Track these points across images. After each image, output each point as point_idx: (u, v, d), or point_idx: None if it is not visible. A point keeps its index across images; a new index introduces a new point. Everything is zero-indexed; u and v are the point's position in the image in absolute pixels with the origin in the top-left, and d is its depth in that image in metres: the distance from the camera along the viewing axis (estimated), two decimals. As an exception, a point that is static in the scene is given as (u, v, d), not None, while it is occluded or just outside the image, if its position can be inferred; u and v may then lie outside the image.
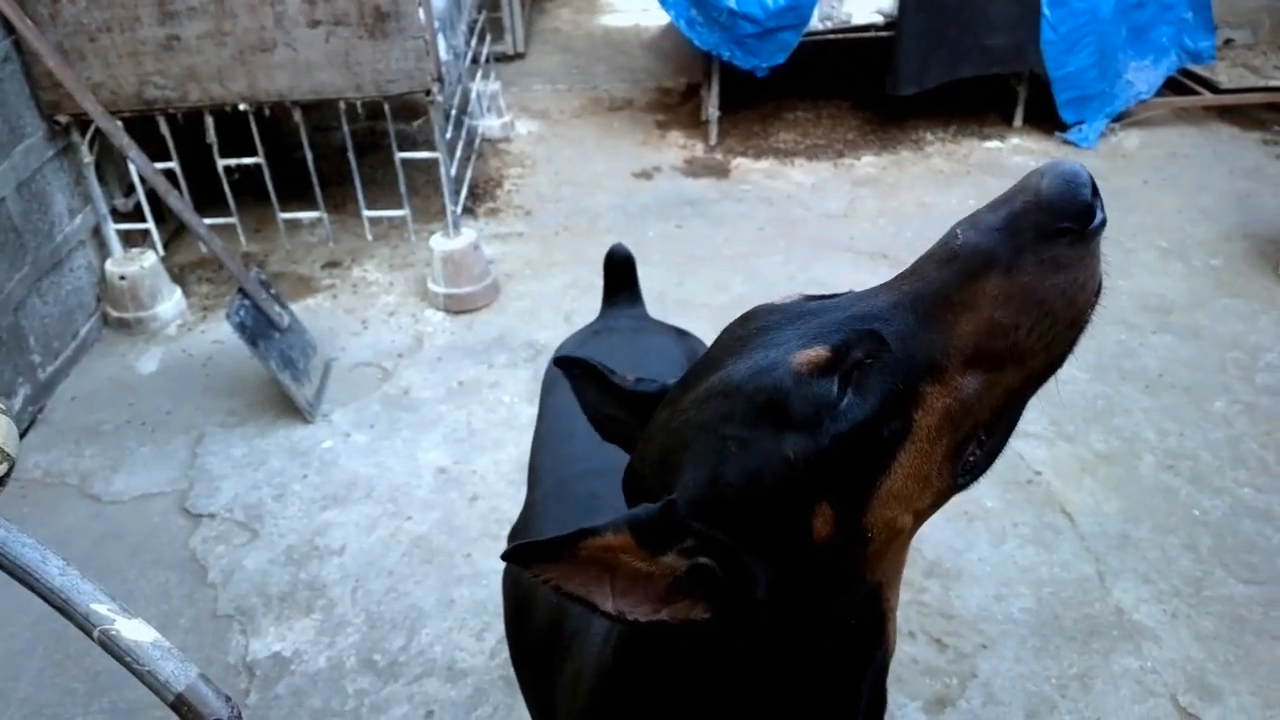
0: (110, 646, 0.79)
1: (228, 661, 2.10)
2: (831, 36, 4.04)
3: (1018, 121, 4.31)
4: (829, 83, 4.58)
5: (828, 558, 0.68)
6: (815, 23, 3.96)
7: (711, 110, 4.20)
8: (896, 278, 0.71)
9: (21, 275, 2.84)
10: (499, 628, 2.13)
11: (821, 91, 4.58)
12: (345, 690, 2.01)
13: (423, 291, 3.36)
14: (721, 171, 4.08)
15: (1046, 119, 4.22)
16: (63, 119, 2.96)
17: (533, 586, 1.09)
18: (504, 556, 0.67)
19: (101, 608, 0.79)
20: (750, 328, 0.73)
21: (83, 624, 0.79)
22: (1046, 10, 3.90)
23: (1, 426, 0.81)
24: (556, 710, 0.97)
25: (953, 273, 0.67)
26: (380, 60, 2.87)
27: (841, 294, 0.74)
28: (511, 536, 1.32)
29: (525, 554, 0.67)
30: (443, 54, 2.98)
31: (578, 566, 0.67)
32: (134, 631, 0.79)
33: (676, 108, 4.67)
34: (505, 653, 2.07)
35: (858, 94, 4.52)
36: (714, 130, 4.23)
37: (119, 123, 2.78)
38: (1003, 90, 4.32)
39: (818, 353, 0.67)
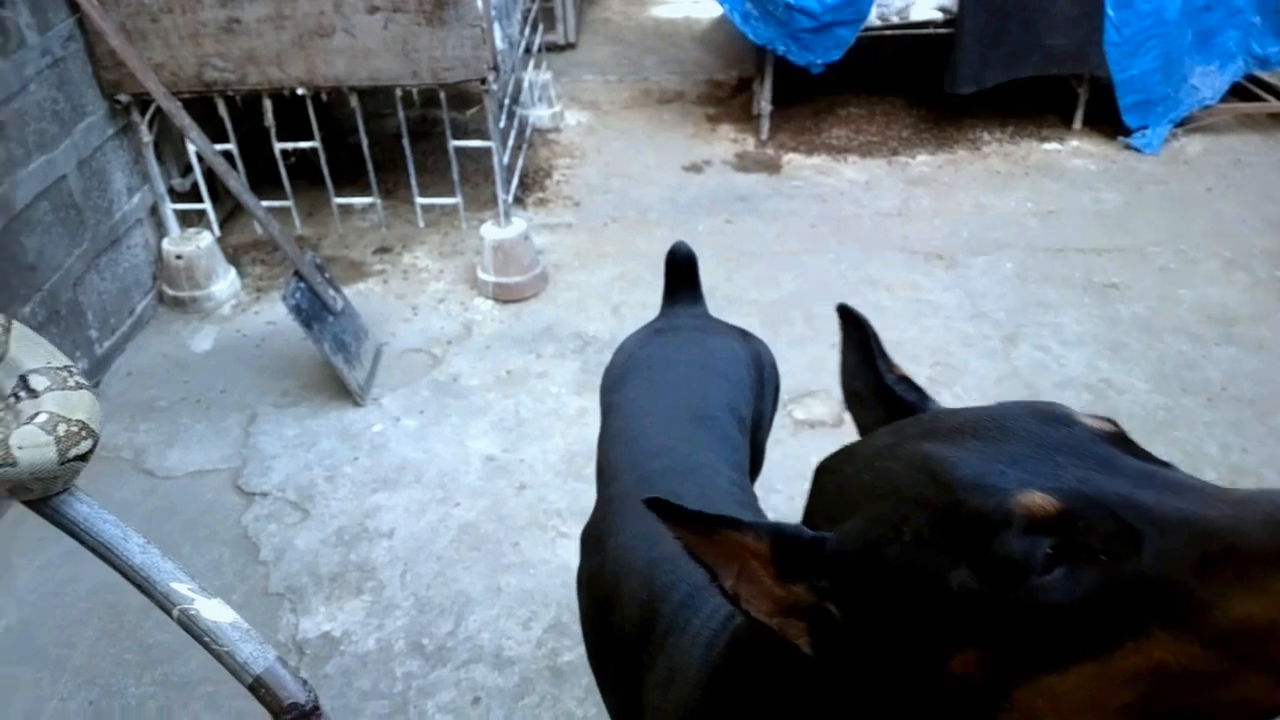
0: (189, 626, 0.79)
1: (278, 639, 2.12)
2: (888, 33, 3.98)
3: (1077, 124, 4.22)
4: (883, 79, 4.51)
5: (955, 687, 0.62)
6: (872, 18, 3.90)
7: (764, 104, 4.16)
8: (1202, 493, 0.58)
9: (81, 251, 2.89)
10: (546, 618, 2.13)
11: (875, 88, 4.52)
12: (393, 672, 2.02)
13: (472, 279, 3.37)
14: (773, 167, 4.05)
15: (1107, 122, 4.14)
16: (123, 98, 3.00)
17: (618, 585, 1.09)
18: (647, 502, 0.65)
19: (181, 587, 0.79)
20: (1028, 426, 0.62)
21: (162, 602, 0.79)
22: (1110, 11, 3.81)
23: (87, 403, 0.82)
24: (644, 706, 0.96)
25: (1271, 540, 0.53)
26: (437, 48, 2.87)
27: (1150, 460, 0.62)
28: (587, 533, 1.30)
29: (668, 511, 0.65)
30: (499, 43, 2.97)
31: (711, 544, 0.65)
32: (213, 611, 0.79)
33: (727, 101, 4.64)
34: (553, 643, 2.07)
35: (912, 91, 4.45)
36: (766, 125, 4.20)
37: (179, 103, 2.81)
38: (1063, 92, 4.23)
39: (1047, 503, 0.57)
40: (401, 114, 3.11)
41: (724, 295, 3.18)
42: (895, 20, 3.97)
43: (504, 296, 3.28)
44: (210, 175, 3.27)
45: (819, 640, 0.66)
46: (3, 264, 2.55)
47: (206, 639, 0.77)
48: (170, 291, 3.23)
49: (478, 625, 2.13)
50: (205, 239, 3.23)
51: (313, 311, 2.76)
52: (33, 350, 0.81)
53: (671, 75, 4.92)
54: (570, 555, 2.29)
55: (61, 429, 0.77)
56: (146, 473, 2.58)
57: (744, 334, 1.55)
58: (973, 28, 3.88)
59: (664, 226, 3.65)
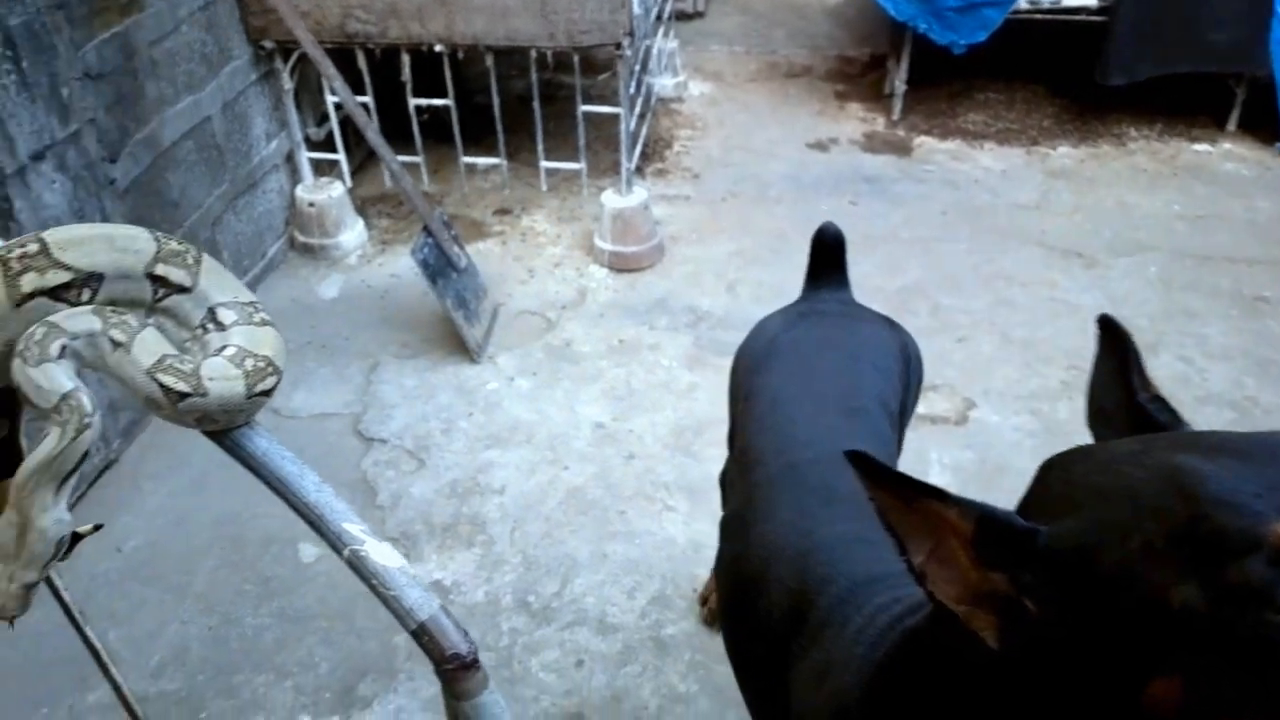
0: (358, 566, 0.79)
1: (388, 584, 2.17)
2: (1037, 16, 3.79)
3: (1231, 126, 3.95)
4: (1025, 64, 4.31)
5: (1150, 711, 0.58)
6: (1021, 1, 3.72)
7: (898, 84, 4.02)
8: None
9: (220, 192, 2.99)
10: (650, 589, 2.12)
11: (1016, 73, 4.31)
12: (500, 627, 2.05)
13: (588, 246, 3.37)
14: (903, 149, 3.92)
15: (1264, 127, 3.85)
16: (268, 44, 3.07)
17: (765, 572, 1.06)
18: (849, 454, 0.62)
19: (353, 528, 0.79)
20: None
21: (334, 541, 0.79)
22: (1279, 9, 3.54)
23: (272, 339, 0.82)
24: (791, 697, 0.94)
25: None
26: (575, 10, 2.85)
27: None
28: (728, 521, 1.28)
29: (871, 469, 0.62)
30: (635, 8, 2.93)
31: (911, 512, 0.62)
32: (382, 555, 0.79)
33: (857, 78, 4.50)
34: (656, 615, 2.06)
35: (1055, 79, 4.24)
36: (898, 105, 4.06)
37: (324, 52, 2.86)
38: (1217, 90, 3.96)
39: None
40: (534, 75, 3.11)
41: (845, 279, 3.11)
42: (1046, 4, 3.78)
43: (619, 265, 3.27)
44: (345, 126, 3.34)
45: (1007, 636, 0.62)
46: (149, 198, 2.65)
47: (374, 581, 0.77)
48: (301, 238, 3.32)
49: (583, 589, 2.14)
50: (337, 189, 3.31)
51: (438, 267, 2.80)
52: (221, 284, 0.81)
53: (800, 49, 4.80)
54: (676, 530, 2.28)
55: (249, 364, 0.78)
56: (273, 411, 2.66)
57: (891, 323, 1.49)
58: (1129, 17, 3.66)
59: (785, 204, 3.57)
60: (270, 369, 0.79)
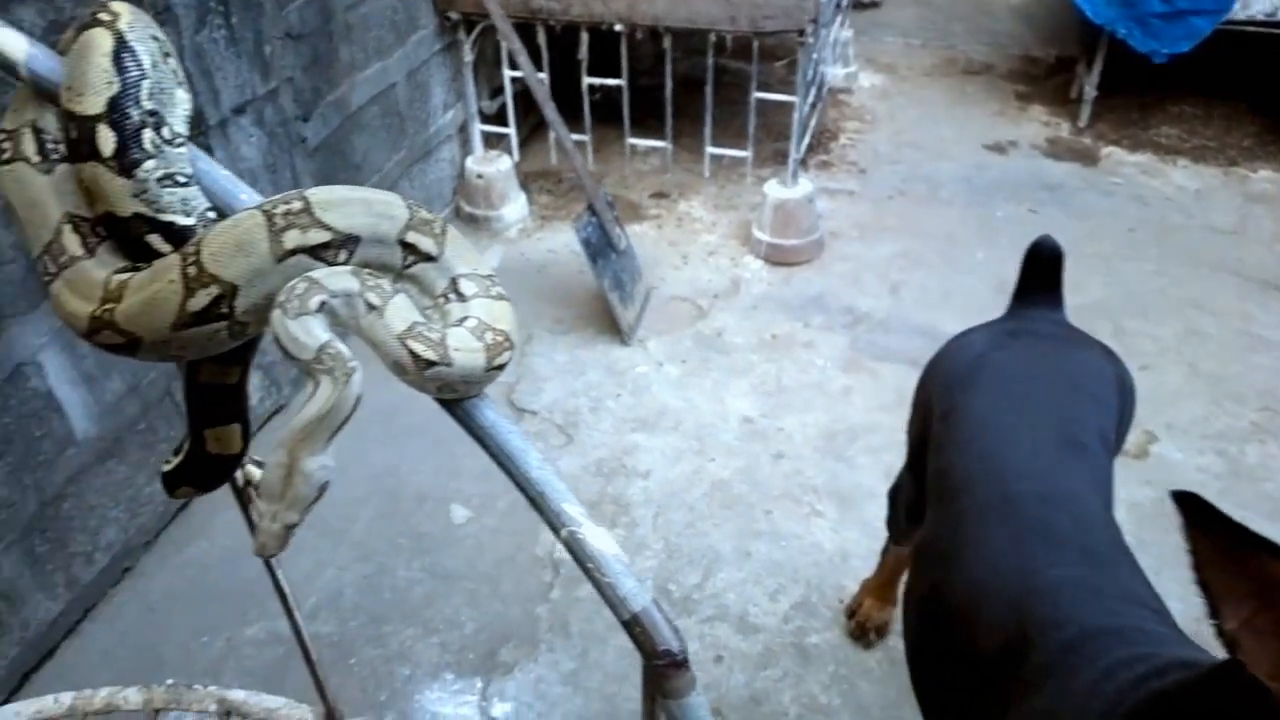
0: (575, 549, 0.78)
1: (535, 553, 2.20)
2: (1248, 29, 3.50)
3: None
4: (1225, 78, 3.99)
5: None
6: (1234, 11, 3.44)
7: (1088, 89, 3.79)
8: None
9: (399, 158, 3.08)
10: (794, 594, 2.08)
11: (1215, 87, 4.01)
12: (638, 613, 2.04)
13: (745, 236, 3.32)
14: (1088, 158, 3.70)
15: None
16: (454, 16, 3.14)
17: (973, 607, 1.00)
18: (1178, 494, 0.56)
19: (573, 510, 0.78)
20: None
21: (552, 520, 0.79)
22: None
23: (508, 314, 0.82)
24: None
25: None
26: (762, -6, 2.80)
27: None
28: (924, 547, 1.22)
29: (1202, 512, 0.56)
30: (824, -5, 2.86)
31: (1234, 566, 0.56)
32: (599, 540, 0.78)
33: (1041, 80, 4.28)
34: (800, 621, 2.02)
35: (1258, 96, 3.91)
36: (1086, 111, 3.83)
37: (512, 25, 2.90)
38: None
39: None
40: (710, 60, 3.07)
41: (1016, 291, 2.96)
42: (1261, 15, 3.48)
43: (776, 258, 3.21)
44: (517, 100, 3.40)
45: None
46: (334, 159, 2.75)
47: (590, 565, 0.76)
48: (466, 208, 3.40)
49: (724, 584, 2.11)
50: (505, 162, 3.37)
51: (599, 247, 2.81)
52: (463, 255, 0.81)
53: (981, 45, 4.60)
54: (823, 536, 2.22)
55: (489, 337, 0.78)
56: (430, 374, 2.74)
57: (1108, 350, 1.39)
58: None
59: (956, 207, 3.43)
60: (507, 344, 0.78)
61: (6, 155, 0.73)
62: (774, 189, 3.16)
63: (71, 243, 0.71)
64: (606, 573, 0.77)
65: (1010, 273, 3.04)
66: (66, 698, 1.37)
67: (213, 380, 0.85)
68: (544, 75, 3.17)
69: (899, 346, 2.79)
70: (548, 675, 1.95)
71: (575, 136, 3.27)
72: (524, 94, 3.43)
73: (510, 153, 3.47)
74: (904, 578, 1.91)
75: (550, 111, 2.83)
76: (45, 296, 0.71)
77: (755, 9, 2.84)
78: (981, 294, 3.02)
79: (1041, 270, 1.45)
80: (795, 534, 2.22)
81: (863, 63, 4.41)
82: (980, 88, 4.24)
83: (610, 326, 2.88)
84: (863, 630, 1.93)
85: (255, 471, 1.08)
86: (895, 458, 2.41)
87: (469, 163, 3.36)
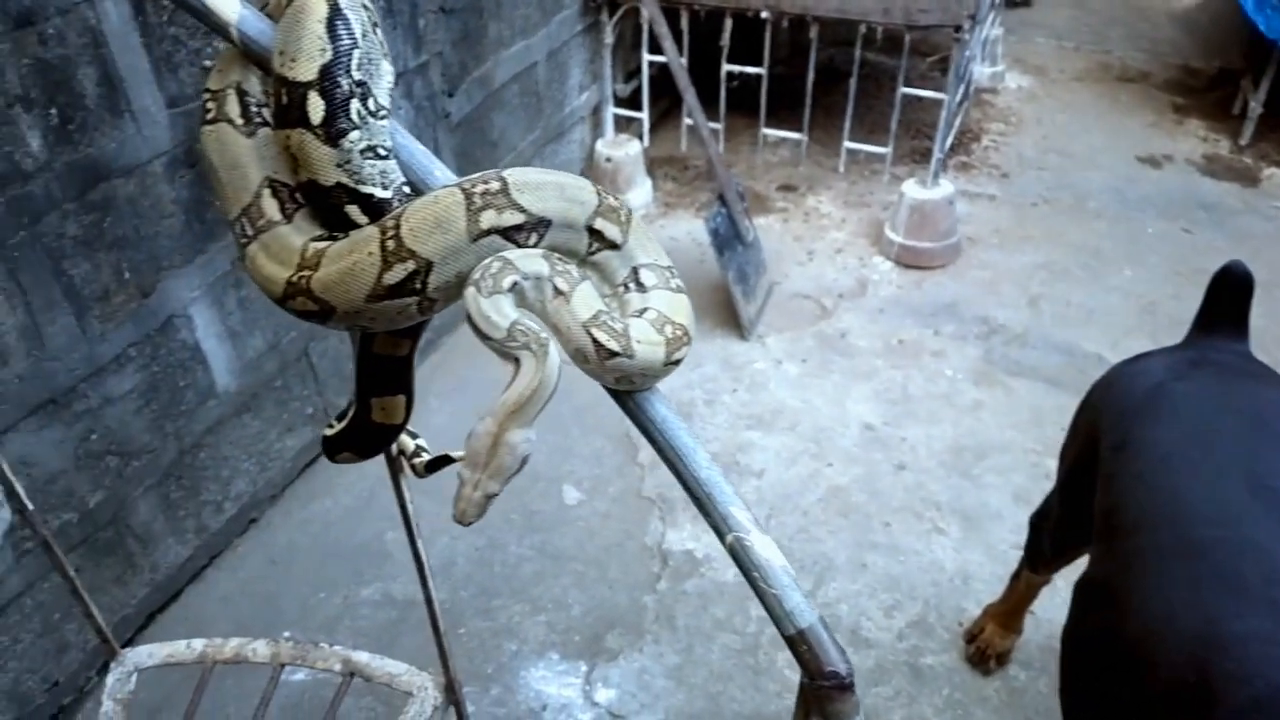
0: (739, 555, 0.75)
1: (644, 542, 2.19)
2: None
3: None
4: None
5: None
6: None
7: (1253, 105, 3.54)
8: None
9: (533, 138, 3.10)
10: (911, 611, 2.01)
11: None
12: (748, 612, 2.01)
13: (875, 235, 3.23)
14: (1249, 178, 3.46)
15: None
16: (598, -3, 3.13)
17: (1146, 651, 0.94)
18: None
19: (740, 515, 0.75)
20: None
21: (718, 524, 0.76)
22: None
23: (687, 307, 0.80)
24: None
25: None
26: (919, -13, 2.70)
27: None
28: (1088, 585, 1.15)
29: None
30: (983, -10, 2.74)
31: None
32: (766, 549, 0.75)
33: (1201, 93, 4.02)
34: (915, 640, 1.95)
35: None
36: (1249, 128, 3.58)
37: (660, 9, 2.87)
38: None
39: None
40: (857, 52, 2.99)
41: (1167, 314, 2.79)
42: None
43: (908, 260, 3.10)
44: (652, 85, 3.38)
45: None
46: (473, 135, 2.78)
47: (755, 574, 0.72)
48: (594, 189, 3.40)
49: (836, 594, 2.06)
50: (634, 147, 3.35)
51: (726, 238, 2.77)
52: (645, 245, 0.79)
53: (1138, 52, 4.35)
54: (944, 555, 2.14)
55: (669, 330, 0.76)
56: (550, 353, 2.75)
57: None
58: None
59: (1104, 220, 3.25)
60: (686, 338, 0.76)
61: (211, 115, 0.74)
62: (912, 188, 3.06)
63: (270, 207, 0.71)
64: (773, 584, 0.74)
65: (1157, 294, 2.90)
66: (198, 644, 1.42)
67: (385, 351, 0.86)
68: (683, 60, 3.14)
69: (1036, 362, 2.66)
70: (652, 667, 1.93)
71: (709, 124, 3.24)
72: (656, 79, 3.41)
73: (641, 137, 3.45)
74: (1031, 606, 1.83)
75: (691, 97, 2.80)
76: (240, 257, 0.72)
77: (911, 2, 2.74)
78: (1127, 314, 2.86)
79: (1229, 297, 1.34)
80: (915, 549, 2.15)
81: (1010, 62, 4.23)
82: (1135, 96, 4.01)
83: (729, 320, 2.84)
84: (983, 656, 1.85)
85: (409, 442, 1.09)
86: (1026, 479, 2.31)
87: (599, 145, 3.36)
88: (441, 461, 1.09)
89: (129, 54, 1.65)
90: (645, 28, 3.13)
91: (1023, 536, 1.75)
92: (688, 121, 3.31)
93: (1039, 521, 1.58)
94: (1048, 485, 2.27)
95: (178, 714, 1.34)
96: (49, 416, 1.67)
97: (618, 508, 2.28)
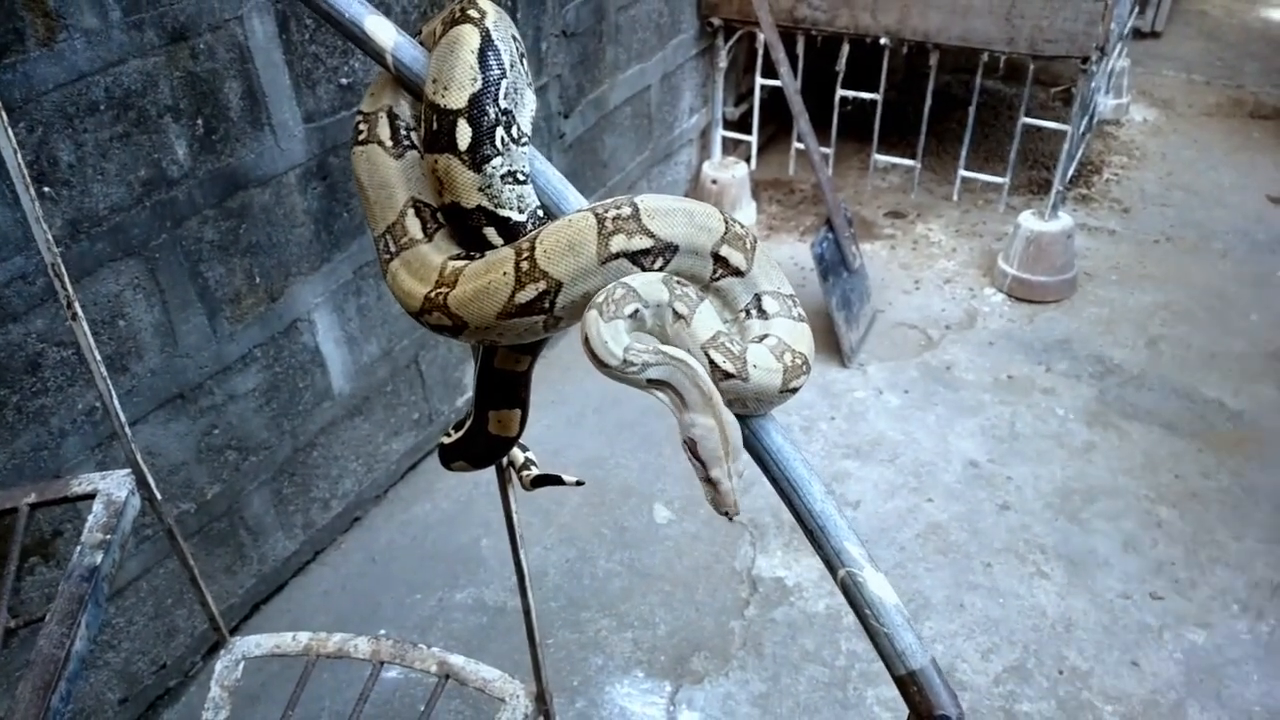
0: (851, 592, 0.74)
1: (734, 566, 2.18)
2: None
3: None
4: None
5: None
6: None
7: (1407, 143, 3.33)
8: None
9: (642, 159, 3.14)
10: (1008, 656, 1.94)
11: None
12: (839, 645, 1.98)
13: (986, 266, 3.15)
14: (1399, 221, 3.25)
15: None
16: (715, 22, 3.16)
17: None
18: None
19: (854, 550, 0.74)
20: None
21: (830, 558, 0.75)
22: None
23: (808, 337, 0.79)
24: None
25: None
26: (1047, 17, 2.63)
27: None
28: None
29: None
30: (1113, 22, 2.65)
31: None
32: (879, 587, 0.74)
33: (1346, 130, 3.80)
34: (1011, 686, 1.88)
35: None
36: (1401, 168, 3.37)
37: (778, 35, 2.87)
38: None
39: None
40: (978, 80, 2.93)
41: (1299, 362, 2.64)
42: None
43: (1021, 294, 3.02)
44: (762, 108, 3.38)
45: None
46: (585, 156, 2.84)
47: (867, 612, 0.72)
48: (699, 210, 3.42)
49: (931, 634, 2.00)
50: (741, 169, 3.36)
51: (832, 263, 2.75)
52: (769, 273, 0.80)
53: (1275, 88, 4.14)
54: (1047, 600, 2.06)
55: (788, 358, 0.76)
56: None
57: None
58: None
59: (1231, 260, 3.10)
60: (805, 367, 0.76)
61: (363, 136, 0.78)
62: (1029, 220, 2.97)
63: (413, 226, 0.74)
64: (885, 623, 0.73)
65: (1288, 341, 2.74)
66: (303, 637, 1.47)
67: (505, 367, 0.88)
68: (797, 85, 3.14)
69: (1153, 406, 2.55)
70: (737, 693, 1.92)
71: (820, 149, 3.22)
72: (766, 102, 3.42)
73: (748, 160, 3.46)
74: (1136, 658, 1.74)
75: (804, 122, 2.79)
76: (381, 273, 0.75)
77: (1038, 32, 2.68)
78: (1253, 360, 2.72)
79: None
80: (1015, 593, 2.08)
81: (1136, 94, 4.08)
82: (1269, 134, 3.82)
83: (830, 346, 2.81)
84: None
85: (519, 455, 1.11)
86: (1137, 526, 2.21)
87: (706, 168, 3.37)
88: (550, 480, 1.11)
89: (272, 70, 1.74)
90: (760, 51, 3.14)
91: (1131, 586, 1.68)
92: (797, 145, 3.30)
93: None
94: (1159, 534, 2.18)
95: (276, 704, 1.39)
96: (176, 410, 1.76)
97: (708, 530, 2.27)
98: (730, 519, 0.70)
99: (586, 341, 0.70)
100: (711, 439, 0.69)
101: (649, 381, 0.69)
